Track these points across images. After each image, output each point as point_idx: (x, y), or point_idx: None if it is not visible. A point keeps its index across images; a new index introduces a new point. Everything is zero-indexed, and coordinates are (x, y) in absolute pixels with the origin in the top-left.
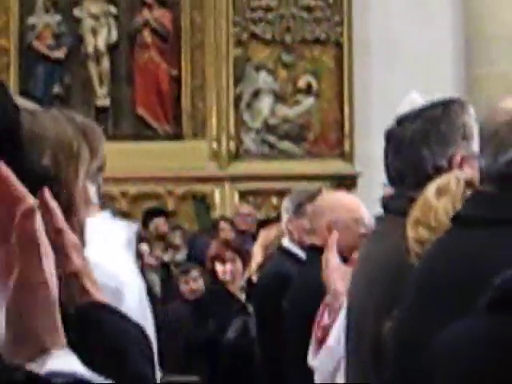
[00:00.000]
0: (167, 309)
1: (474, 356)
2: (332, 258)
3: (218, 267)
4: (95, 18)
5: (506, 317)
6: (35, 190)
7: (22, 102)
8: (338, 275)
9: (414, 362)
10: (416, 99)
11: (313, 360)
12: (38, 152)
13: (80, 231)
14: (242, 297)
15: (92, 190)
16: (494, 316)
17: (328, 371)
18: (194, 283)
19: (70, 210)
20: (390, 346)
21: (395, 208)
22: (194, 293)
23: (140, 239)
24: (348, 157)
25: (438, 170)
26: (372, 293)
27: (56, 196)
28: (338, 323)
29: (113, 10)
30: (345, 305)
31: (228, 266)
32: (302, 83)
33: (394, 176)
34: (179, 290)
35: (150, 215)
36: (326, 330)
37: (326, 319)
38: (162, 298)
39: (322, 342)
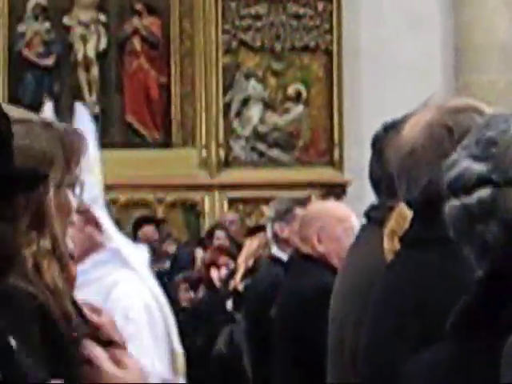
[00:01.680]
0: None
1: (437, 381)
2: None
3: (213, 273)
4: (85, 25)
5: (464, 341)
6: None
7: (8, 109)
8: None
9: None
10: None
11: None
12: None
13: (54, 240)
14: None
15: (72, 198)
16: (453, 341)
17: None
18: (184, 293)
19: (40, 219)
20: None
21: (375, 217)
22: (192, 301)
23: None
24: (337, 165)
25: None
26: (352, 302)
27: (25, 205)
28: None
29: (102, 17)
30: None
31: (223, 272)
32: (291, 91)
33: (374, 183)
34: (175, 297)
35: (139, 223)
36: None
37: None
38: None
39: None
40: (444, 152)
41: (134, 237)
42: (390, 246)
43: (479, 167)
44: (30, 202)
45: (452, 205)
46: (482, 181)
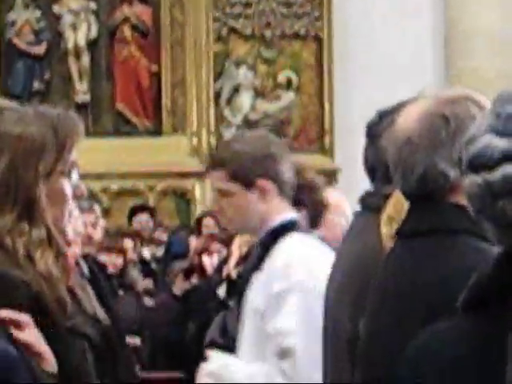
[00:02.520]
0: (155, 303)
1: (453, 355)
2: None
3: (206, 260)
4: (75, 13)
5: (475, 317)
6: None
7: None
8: None
9: (377, 367)
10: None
11: None
12: None
13: (46, 228)
14: (221, 292)
15: (67, 186)
16: (465, 316)
17: None
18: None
19: (32, 211)
20: (361, 344)
21: (370, 204)
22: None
23: (123, 235)
24: (328, 152)
25: None
26: (347, 290)
27: (15, 191)
28: None
29: (93, 5)
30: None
31: (215, 258)
32: (282, 78)
33: (369, 170)
34: (167, 285)
35: (134, 211)
36: None
37: None
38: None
39: None
40: (440, 141)
41: (129, 225)
42: (387, 231)
43: (503, 143)
44: (18, 192)
45: (473, 181)
46: (508, 157)
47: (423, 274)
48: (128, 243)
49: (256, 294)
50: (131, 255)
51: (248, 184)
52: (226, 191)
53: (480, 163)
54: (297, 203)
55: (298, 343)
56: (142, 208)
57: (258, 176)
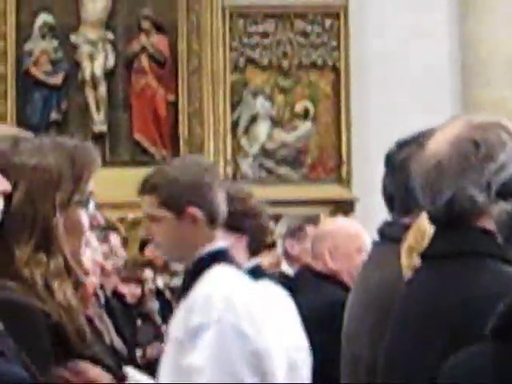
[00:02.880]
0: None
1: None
2: None
3: None
4: (92, 43)
5: (506, 343)
6: None
7: (6, 130)
8: None
9: None
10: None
11: None
12: (14, 180)
13: (63, 258)
14: None
15: (83, 217)
16: (497, 342)
17: None
18: None
19: (49, 242)
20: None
21: (390, 234)
22: None
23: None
24: (345, 182)
25: None
26: (367, 319)
27: (32, 222)
28: None
29: (110, 35)
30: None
31: None
32: (299, 108)
33: (387, 200)
34: None
35: (144, 243)
36: None
37: None
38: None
39: None
40: (470, 166)
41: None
42: (408, 262)
43: None
44: (36, 222)
45: (502, 209)
46: None
47: (448, 296)
48: (148, 273)
49: (178, 323)
50: (150, 285)
51: (178, 211)
52: (156, 217)
53: (509, 191)
54: (239, 230)
55: (206, 381)
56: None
57: (188, 203)
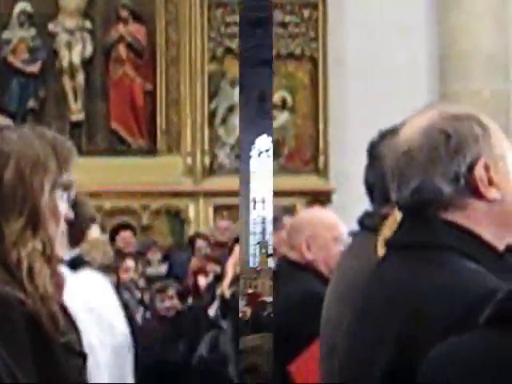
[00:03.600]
0: (142, 325)
1: (471, 371)
2: None
3: (201, 281)
4: (70, 32)
5: (503, 331)
6: None
7: None
8: None
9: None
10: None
11: None
12: (1, 165)
13: (49, 242)
14: (212, 312)
15: (62, 205)
16: (490, 331)
17: None
18: (169, 301)
19: (36, 221)
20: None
21: (369, 224)
22: (170, 310)
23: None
24: (322, 172)
25: None
26: (344, 310)
27: (22, 200)
28: None
29: (88, 24)
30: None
31: (210, 278)
32: (276, 99)
33: (369, 190)
34: (154, 307)
35: (116, 230)
36: None
37: None
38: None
39: None
40: (439, 157)
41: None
42: (384, 252)
43: None
44: (26, 201)
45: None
46: None
47: (404, 287)
48: (130, 262)
49: None
50: (131, 274)
51: None
52: None
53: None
54: None
55: None
56: (125, 226)
57: None
